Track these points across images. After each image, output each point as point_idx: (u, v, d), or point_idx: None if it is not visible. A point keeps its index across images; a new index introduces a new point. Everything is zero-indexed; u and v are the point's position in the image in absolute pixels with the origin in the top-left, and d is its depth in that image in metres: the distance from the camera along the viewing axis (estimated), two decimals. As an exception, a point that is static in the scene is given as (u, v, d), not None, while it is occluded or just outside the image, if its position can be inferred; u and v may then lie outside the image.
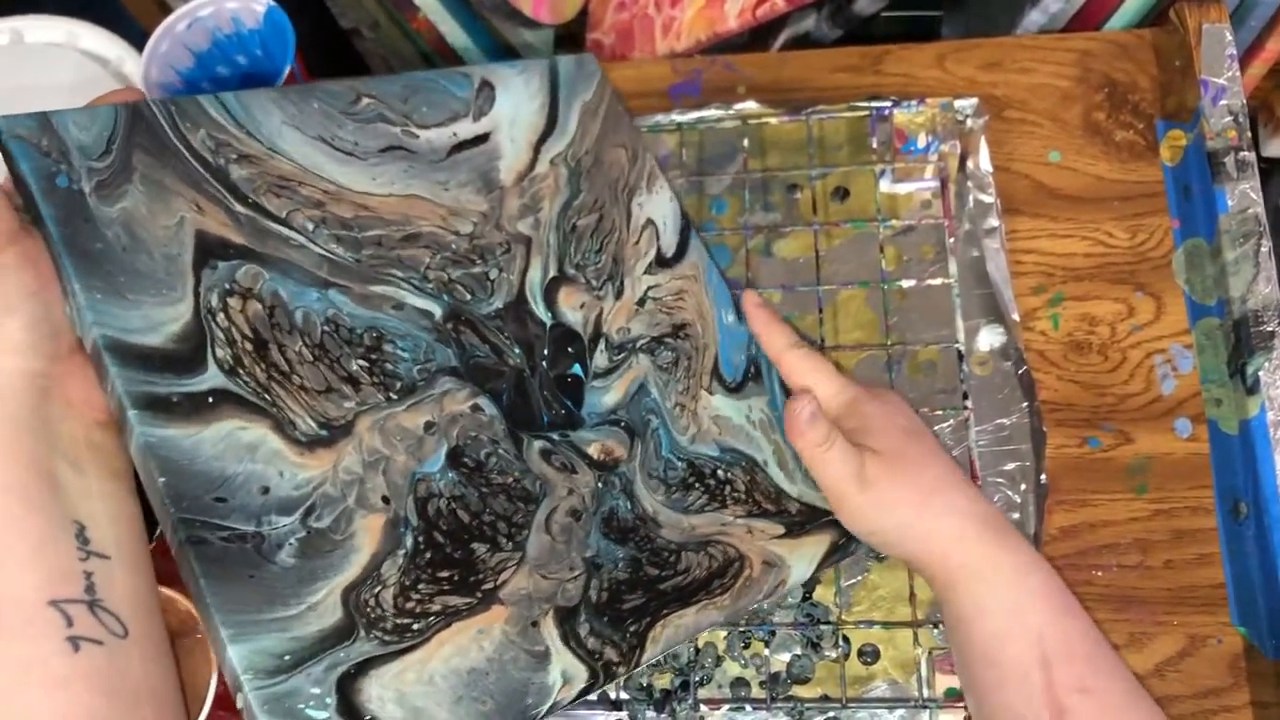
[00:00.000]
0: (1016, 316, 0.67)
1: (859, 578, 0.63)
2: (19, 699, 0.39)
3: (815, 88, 0.75)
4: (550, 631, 0.48)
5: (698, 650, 0.63)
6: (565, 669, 0.47)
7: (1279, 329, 0.63)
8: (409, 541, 0.47)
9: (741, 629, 0.62)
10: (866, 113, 0.71)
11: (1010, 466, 0.64)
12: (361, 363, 0.49)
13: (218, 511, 0.43)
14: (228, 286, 0.47)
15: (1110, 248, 0.69)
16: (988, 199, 0.69)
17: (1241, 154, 0.66)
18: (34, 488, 0.41)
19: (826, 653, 0.62)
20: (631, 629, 0.50)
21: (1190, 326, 0.67)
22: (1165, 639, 0.62)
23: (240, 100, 0.51)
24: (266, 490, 0.44)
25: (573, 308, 0.56)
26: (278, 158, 0.51)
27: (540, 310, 0.55)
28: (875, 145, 0.71)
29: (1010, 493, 0.63)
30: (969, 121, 0.71)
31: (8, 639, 0.39)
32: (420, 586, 0.46)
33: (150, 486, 0.43)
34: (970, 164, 0.70)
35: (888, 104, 0.71)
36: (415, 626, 0.45)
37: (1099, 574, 0.63)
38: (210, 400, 0.45)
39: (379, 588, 0.45)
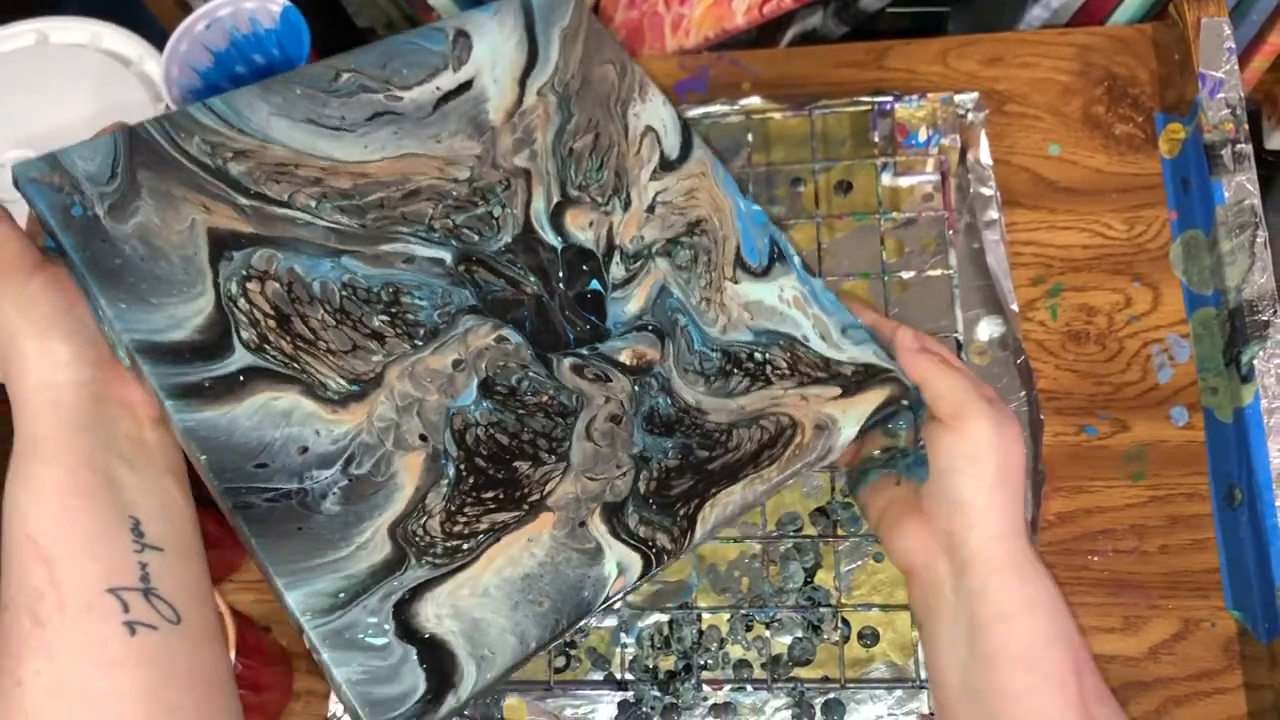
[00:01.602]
0: (1015, 307, 0.68)
1: (859, 563, 0.65)
2: (79, 677, 0.42)
3: (819, 83, 0.76)
4: (599, 528, 0.49)
5: (701, 633, 0.64)
6: (620, 560, 0.48)
7: (1274, 318, 0.64)
8: (451, 471, 0.49)
9: (744, 613, 0.64)
10: (868, 107, 0.73)
11: (1008, 454, 0.65)
12: (383, 318, 0.51)
13: (260, 476, 0.46)
14: (245, 273, 0.50)
15: (1109, 239, 0.70)
16: (988, 191, 0.70)
17: (1238, 146, 0.67)
18: (92, 486, 0.44)
19: (827, 635, 0.63)
20: (681, 512, 0.50)
21: (1187, 316, 0.68)
22: (1160, 622, 0.63)
23: (227, 101, 0.54)
24: (305, 449, 0.47)
25: (581, 228, 0.56)
26: (271, 147, 0.53)
27: (549, 236, 0.56)
28: (877, 139, 0.72)
29: (1008, 479, 0.65)
30: (969, 116, 0.72)
31: (69, 623, 0.42)
32: (466, 510, 0.48)
33: (198, 466, 0.46)
34: (970, 157, 0.71)
35: (889, 99, 0.72)
36: (465, 547, 0.47)
37: (1095, 559, 0.64)
38: (241, 379, 0.47)
39: (425, 518, 0.47)
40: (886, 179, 0.72)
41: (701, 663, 0.64)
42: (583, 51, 0.61)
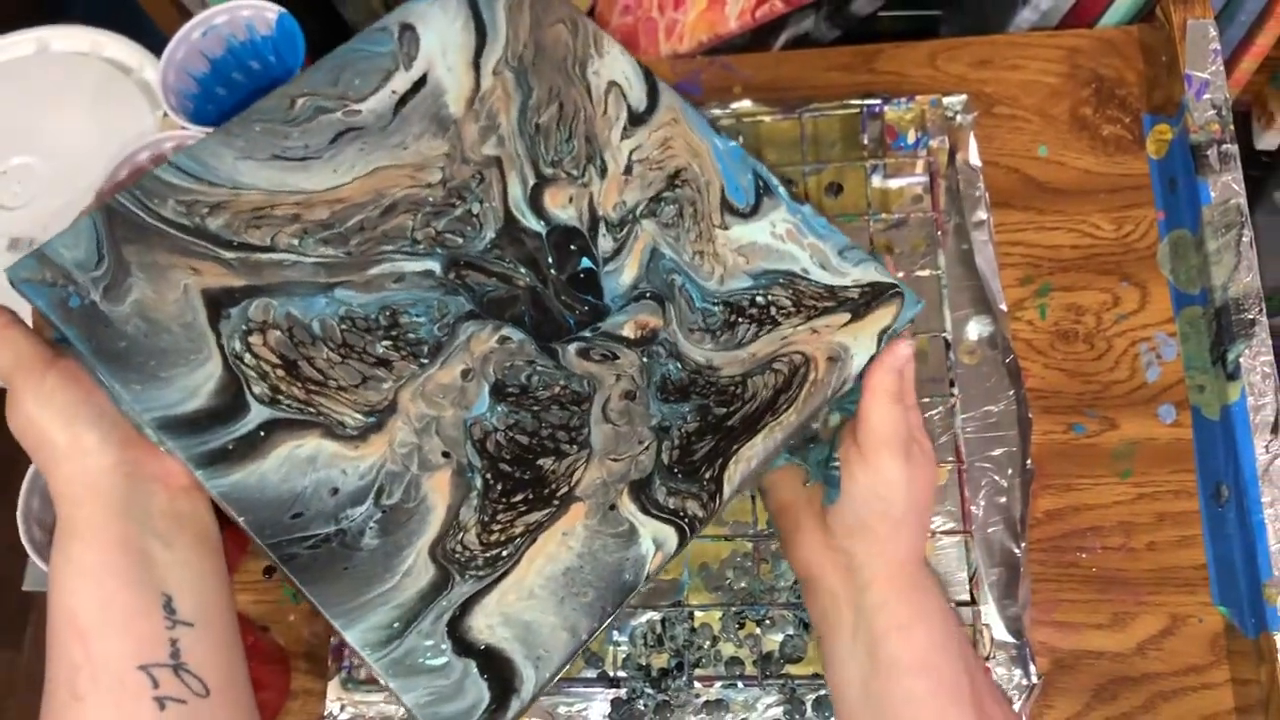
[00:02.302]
0: (1004, 307, 0.68)
1: (850, 560, 0.65)
2: None
3: (810, 86, 0.77)
4: (629, 509, 0.49)
5: (694, 630, 0.65)
6: (655, 536, 0.49)
7: (1259, 316, 0.64)
8: (478, 482, 0.49)
9: (736, 610, 0.65)
10: (858, 110, 0.73)
11: (997, 452, 0.66)
12: (386, 343, 0.52)
13: (298, 526, 0.48)
14: (245, 327, 0.50)
15: (1097, 239, 0.71)
16: (976, 193, 0.71)
17: (1224, 147, 0.68)
18: (127, 566, 0.46)
19: (818, 633, 0.64)
20: (707, 476, 0.50)
21: (1174, 315, 0.69)
22: (1148, 618, 0.63)
23: (191, 156, 0.54)
24: (335, 490, 0.48)
25: (562, 206, 0.56)
26: (244, 193, 0.53)
27: (532, 222, 0.55)
28: (866, 142, 0.73)
29: (997, 478, 0.65)
30: (958, 117, 0.73)
31: (102, 698, 0.45)
32: (499, 517, 0.49)
33: (241, 525, 0.48)
34: (959, 159, 0.72)
35: (878, 102, 0.73)
36: (504, 554, 0.48)
37: (1083, 556, 0.65)
38: (262, 434, 0.49)
39: (461, 533, 0.48)
40: (876, 181, 0.72)
41: (694, 660, 0.64)
42: (531, 17, 0.60)
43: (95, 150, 0.82)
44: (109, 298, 0.50)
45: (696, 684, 0.64)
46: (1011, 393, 0.67)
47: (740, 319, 0.54)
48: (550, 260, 0.55)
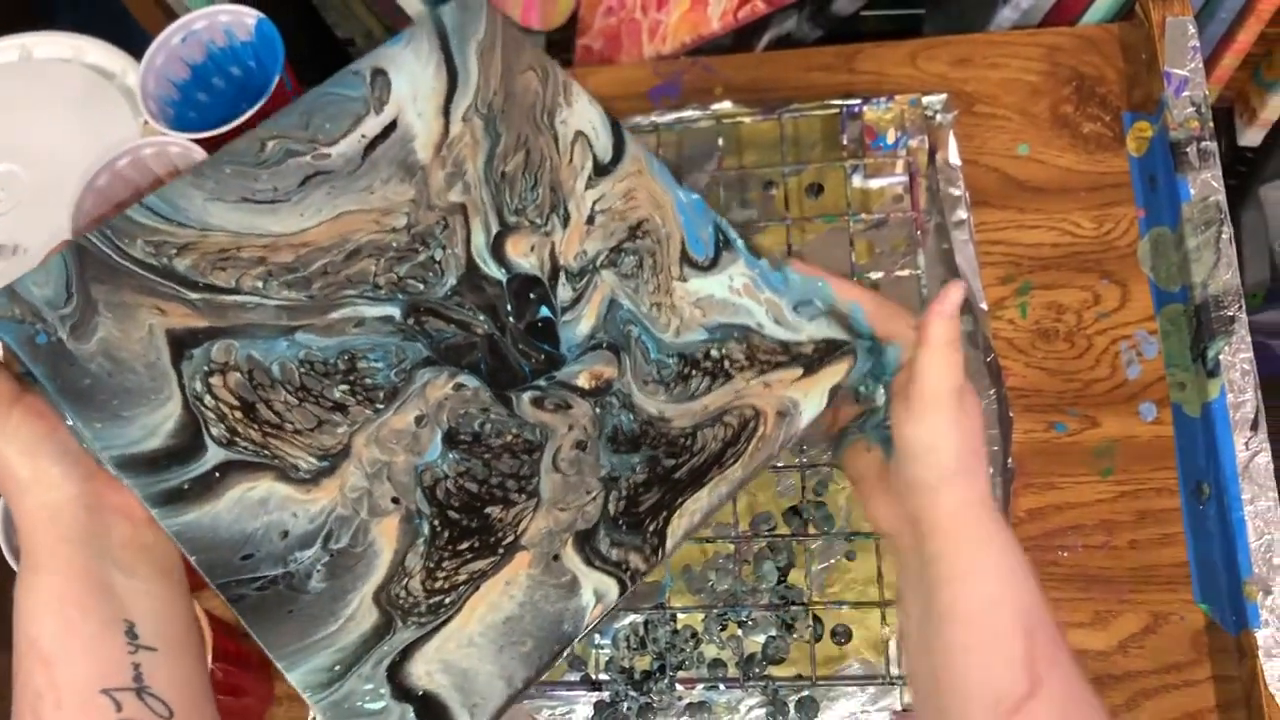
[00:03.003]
0: (985, 305, 0.69)
1: (832, 561, 0.65)
2: None
3: (791, 87, 0.77)
4: (572, 560, 0.50)
5: (676, 633, 0.65)
6: (596, 587, 0.49)
7: (1239, 313, 0.64)
8: (425, 529, 0.50)
9: (718, 612, 0.65)
10: (837, 110, 0.73)
11: (978, 451, 0.66)
12: (343, 388, 0.52)
13: (247, 568, 0.48)
14: (206, 368, 0.51)
15: (1077, 237, 0.71)
16: (956, 192, 0.71)
17: (1203, 144, 0.68)
18: (87, 596, 0.47)
19: (800, 634, 0.64)
20: (651, 529, 0.51)
21: (1155, 313, 0.69)
22: (1129, 616, 0.63)
23: (163, 197, 0.55)
24: (286, 533, 0.49)
25: (524, 254, 0.56)
26: (212, 234, 0.54)
27: (493, 270, 0.56)
28: (846, 142, 0.73)
29: (978, 477, 0.65)
30: (937, 117, 0.73)
31: None
32: (444, 564, 0.49)
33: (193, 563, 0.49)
34: (939, 158, 0.72)
35: (857, 102, 0.73)
36: (447, 601, 0.49)
37: (1065, 554, 0.65)
38: (217, 475, 0.49)
39: (406, 579, 0.49)
40: (856, 181, 0.72)
41: (676, 663, 0.64)
42: (502, 64, 0.60)
43: (78, 157, 0.82)
44: (76, 335, 0.51)
45: (679, 686, 0.64)
46: (992, 391, 0.67)
47: (694, 371, 0.54)
48: (509, 308, 0.55)
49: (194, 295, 0.52)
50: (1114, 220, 0.71)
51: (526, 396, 0.53)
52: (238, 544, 0.49)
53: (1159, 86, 0.70)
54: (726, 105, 0.75)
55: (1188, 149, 0.68)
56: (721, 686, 0.63)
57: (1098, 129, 0.73)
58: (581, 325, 0.55)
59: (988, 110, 0.74)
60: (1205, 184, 0.67)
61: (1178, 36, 0.70)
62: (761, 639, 0.64)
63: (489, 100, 0.59)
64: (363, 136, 0.57)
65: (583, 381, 0.54)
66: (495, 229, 0.57)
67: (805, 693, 0.63)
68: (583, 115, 0.60)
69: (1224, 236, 0.66)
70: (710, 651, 0.65)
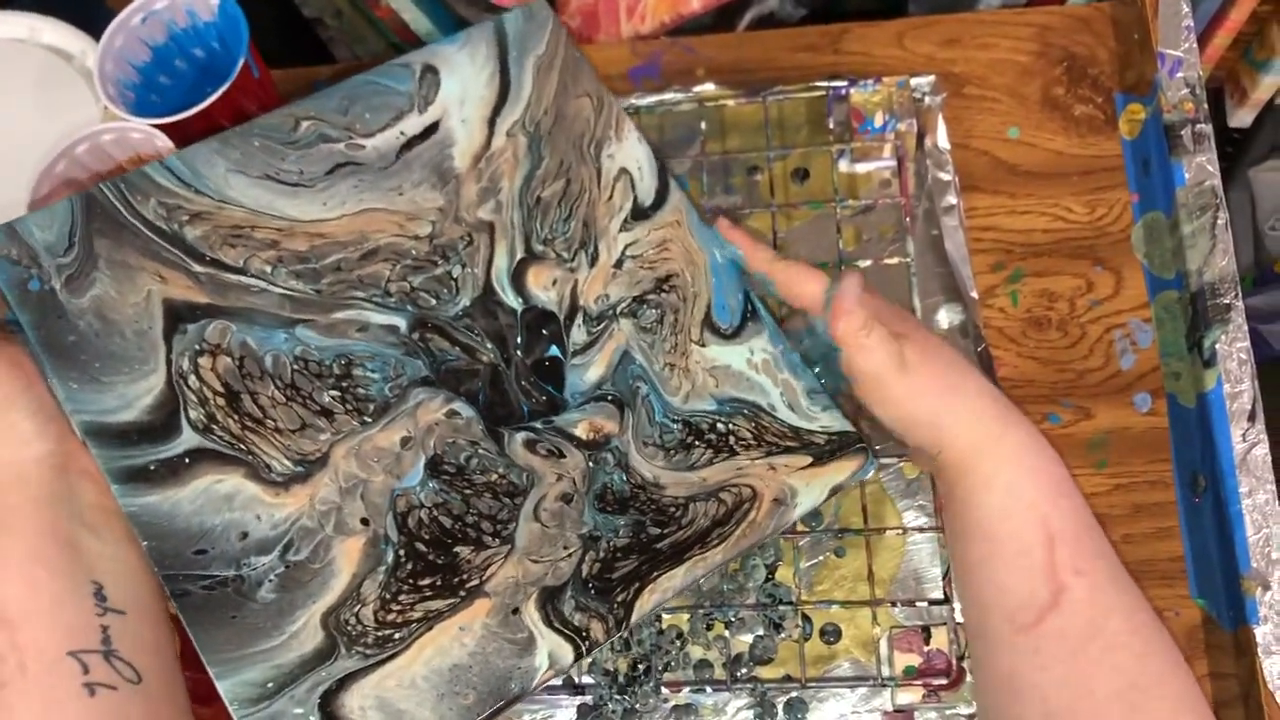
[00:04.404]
0: (975, 294, 0.67)
1: (820, 558, 0.64)
2: None
3: (775, 68, 0.74)
4: (532, 616, 0.48)
5: (660, 633, 0.63)
6: (551, 650, 0.48)
7: (1235, 301, 0.63)
8: (389, 557, 0.48)
9: (705, 611, 0.63)
10: (823, 93, 0.71)
11: (970, 444, 0.64)
12: (333, 393, 0.50)
13: (199, 563, 0.46)
14: (198, 347, 0.49)
15: (1069, 223, 0.69)
16: (946, 176, 0.69)
17: (1198, 127, 0.66)
18: (55, 555, 0.46)
19: (788, 633, 0.62)
20: (619, 599, 0.49)
21: (1149, 300, 0.67)
22: (1124, 613, 0.62)
23: (184, 159, 0.52)
24: (245, 535, 0.47)
25: (544, 287, 0.54)
26: (228, 207, 0.51)
27: (510, 298, 0.53)
28: (833, 125, 0.71)
29: (970, 470, 0.64)
30: (926, 99, 0.71)
31: (31, 685, 0.44)
32: (401, 598, 0.47)
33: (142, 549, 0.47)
34: (928, 142, 0.70)
35: (844, 84, 0.71)
36: (396, 636, 0.46)
37: (1058, 549, 0.63)
38: (187, 461, 0.47)
39: (359, 606, 0.47)
40: (843, 166, 0.70)
41: (661, 665, 0.62)
42: (558, 84, 0.58)
43: (34, 142, 0.79)
44: (70, 288, 0.48)
45: (664, 689, 0.62)
46: (984, 383, 0.65)
47: (698, 442, 0.53)
48: (519, 340, 0.53)
49: (199, 268, 0.50)
50: (1107, 205, 0.69)
51: (520, 437, 0.51)
52: (194, 536, 0.46)
53: (1152, 67, 0.68)
54: (709, 87, 0.72)
55: (1182, 132, 0.66)
56: (708, 689, 0.61)
57: (1089, 111, 0.71)
58: (590, 372, 0.53)
59: (977, 92, 0.72)
60: (1200, 168, 0.65)
61: (1171, 16, 0.69)
62: (749, 639, 0.63)
63: (538, 119, 0.57)
64: (401, 134, 0.55)
65: (581, 432, 0.52)
66: (520, 255, 0.54)
67: (794, 694, 0.61)
68: (630, 153, 0.57)
69: (1220, 222, 0.64)
70: (696, 652, 0.63)
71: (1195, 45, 0.68)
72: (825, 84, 0.71)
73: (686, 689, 0.62)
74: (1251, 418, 0.61)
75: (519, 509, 0.50)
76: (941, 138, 0.70)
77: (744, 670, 0.62)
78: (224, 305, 0.50)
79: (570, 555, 0.49)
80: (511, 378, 0.52)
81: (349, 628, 0.46)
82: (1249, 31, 0.83)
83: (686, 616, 0.63)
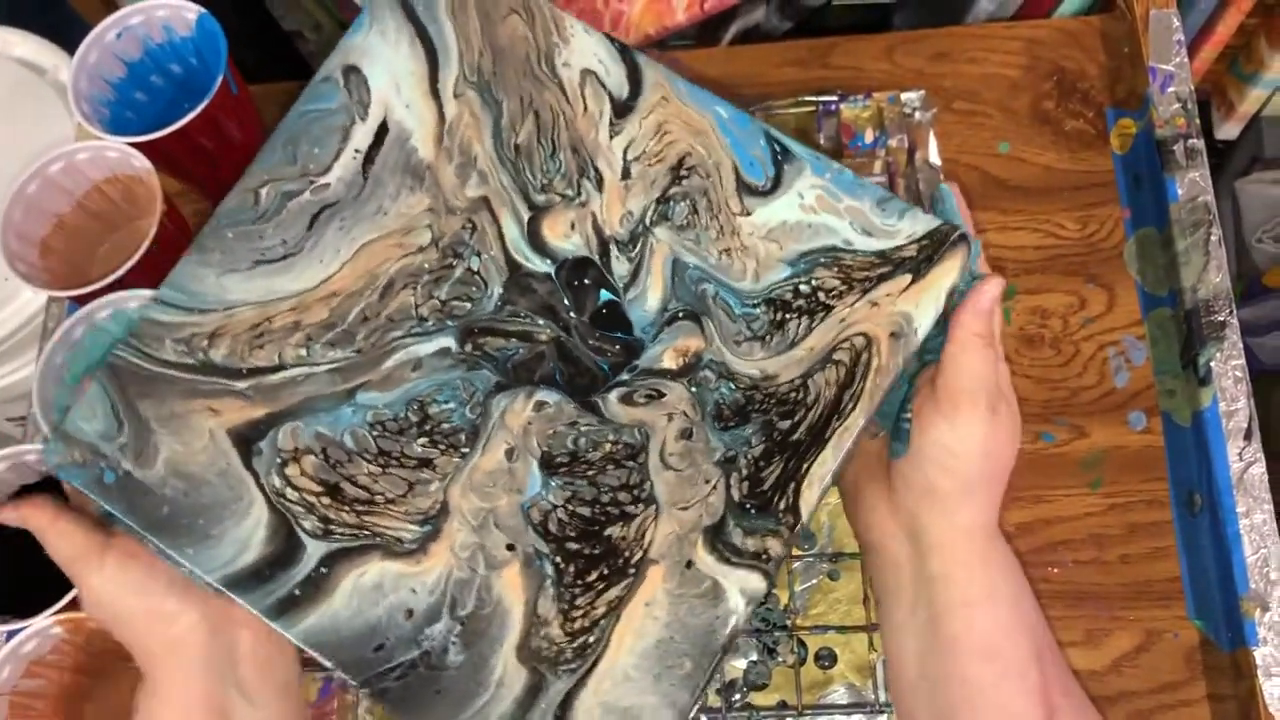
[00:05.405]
0: (968, 312, 0.66)
1: (814, 581, 0.63)
2: None
3: (763, 83, 0.74)
4: (706, 563, 0.46)
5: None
6: (741, 586, 0.45)
7: (1230, 318, 0.62)
8: (549, 570, 0.46)
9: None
10: (813, 108, 0.70)
11: (964, 464, 0.64)
12: (422, 441, 0.48)
13: (383, 658, 0.46)
14: (279, 460, 0.47)
15: (1061, 239, 0.68)
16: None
17: (1190, 142, 0.66)
18: None
19: (783, 658, 0.61)
20: (781, 506, 0.46)
21: (1143, 317, 0.66)
22: (1122, 634, 0.61)
23: (173, 286, 0.50)
24: (410, 612, 0.46)
25: (564, 236, 0.50)
26: (237, 311, 0.49)
27: (537, 263, 0.50)
28: (822, 141, 0.70)
29: (964, 491, 0.63)
30: (916, 115, 0.70)
31: None
32: (579, 601, 0.46)
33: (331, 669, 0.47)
34: (919, 158, 0.69)
35: (834, 99, 0.70)
36: (591, 640, 0.45)
37: (1054, 570, 0.62)
38: (323, 571, 0.46)
39: (544, 628, 0.46)
40: (833, 182, 0.69)
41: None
42: (479, 17, 0.53)
43: (5, 161, 0.77)
44: (140, 463, 0.47)
45: None
46: (978, 402, 0.65)
47: (788, 315, 0.48)
48: (567, 302, 0.50)
49: (241, 384, 0.48)
50: (1099, 221, 0.68)
51: (613, 396, 0.48)
52: (366, 636, 0.46)
53: (1143, 82, 0.67)
54: (697, 103, 0.71)
55: (1174, 147, 0.66)
56: (703, 717, 0.60)
57: (1080, 125, 0.71)
58: (650, 299, 0.49)
59: (967, 107, 0.72)
60: (1193, 183, 0.65)
61: (1162, 30, 0.68)
62: (743, 664, 0.62)
63: (477, 65, 0.52)
64: (356, 152, 0.51)
65: (669, 362, 0.48)
66: (526, 215, 0.50)
67: (789, 720, 0.60)
68: (584, 50, 0.52)
69: (1213, 238, 0.64)
70: (689, 678, 0.62)
71: (1186, 59, 0.67)
72: (814, 99, 0.70)
73: (680, 717, 0.60)
74: (1248, 436, 0.60)
75: (646, 466, 0.47)
76: (932, 154, 0.69)
77: (738, 697, 0.61)
78: (281, 409, 0.48)
79: (714, 486, 0.47)
80: (577, 343, 0.49)
81: (544, 652, 0.45)
82: (1236, 44, 0.83)
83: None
